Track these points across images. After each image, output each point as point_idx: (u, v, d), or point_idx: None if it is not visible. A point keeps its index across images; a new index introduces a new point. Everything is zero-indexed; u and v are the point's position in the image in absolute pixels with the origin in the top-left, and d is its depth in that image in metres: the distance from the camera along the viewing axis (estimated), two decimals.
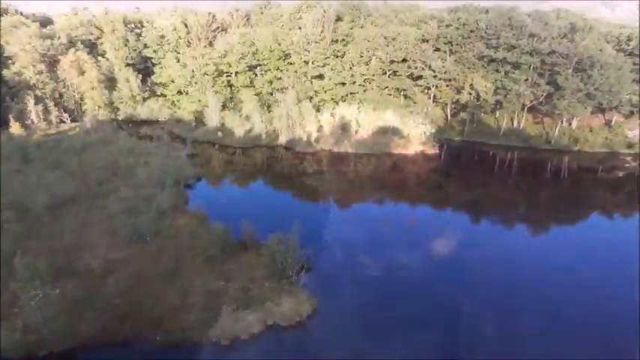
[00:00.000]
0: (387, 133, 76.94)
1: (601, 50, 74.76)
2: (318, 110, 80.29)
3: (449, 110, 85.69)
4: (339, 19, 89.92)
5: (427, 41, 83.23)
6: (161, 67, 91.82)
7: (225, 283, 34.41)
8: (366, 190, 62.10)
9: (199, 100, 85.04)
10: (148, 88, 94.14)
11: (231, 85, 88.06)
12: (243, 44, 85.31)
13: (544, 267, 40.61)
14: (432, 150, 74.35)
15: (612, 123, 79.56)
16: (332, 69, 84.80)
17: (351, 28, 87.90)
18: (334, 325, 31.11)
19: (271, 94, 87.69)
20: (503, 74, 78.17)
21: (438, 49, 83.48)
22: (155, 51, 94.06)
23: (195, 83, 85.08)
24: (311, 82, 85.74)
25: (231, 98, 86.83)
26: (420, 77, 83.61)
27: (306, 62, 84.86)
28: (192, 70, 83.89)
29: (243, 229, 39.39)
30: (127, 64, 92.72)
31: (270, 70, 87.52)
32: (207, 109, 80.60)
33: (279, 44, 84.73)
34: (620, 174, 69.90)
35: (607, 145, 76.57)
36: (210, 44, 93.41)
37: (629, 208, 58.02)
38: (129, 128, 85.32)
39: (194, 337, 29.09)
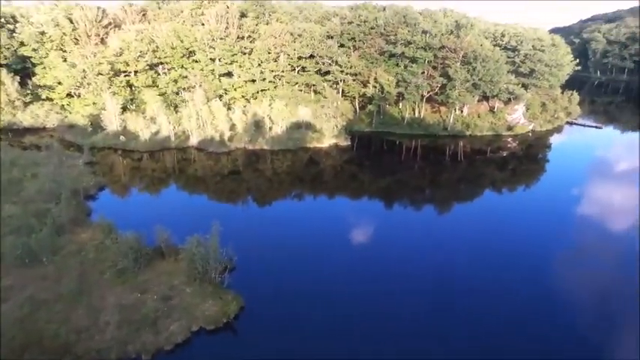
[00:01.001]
0: (300, 128, 78.14)
1: (482, 45, 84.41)
2: (229, 108, 78.32)
3: (357, 103, 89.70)
4: (243, 15, 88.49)
5: (332, 37, 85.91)
6: (44, 68, 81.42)
7: (142, 294, 31.99)
8: (285, 186, 62.40)
9: (94, 103, 77.13)
10: (29, 92, 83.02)
11: (130, 86, 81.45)
12: (140, 41, 79.46)
13: (447, 240, 44.95)
14: (344, 142, 77.32)
15: (495, 109, 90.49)
16: (240, 66, 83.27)
17: (257, 25, 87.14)
18: (263, 322, 30.82)
19: (177, 93, 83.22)
20: (403, 68, 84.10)
21: (342, 45, 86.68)
22: (35, 49, 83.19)
23: (88, 84, 77.00)
24: (219, 80, 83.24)
25: (132, 99, 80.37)
26: (327, 72, 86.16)
27: (213, 60, 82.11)
28: (84, 70, 75.80)
29: (158, 236, 36.96)
30: (0, 65, 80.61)
31: (174, 68, 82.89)
32: (104, 112, 73.54)
33: (182, 41, 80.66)
34: (505, 154, 79.91)
35: (492, 128, 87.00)
36: (103, 41, 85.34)
37: (513, 182, 66.72)
38: (9, 138, 74.48)
39: (111, 356, 26.59)
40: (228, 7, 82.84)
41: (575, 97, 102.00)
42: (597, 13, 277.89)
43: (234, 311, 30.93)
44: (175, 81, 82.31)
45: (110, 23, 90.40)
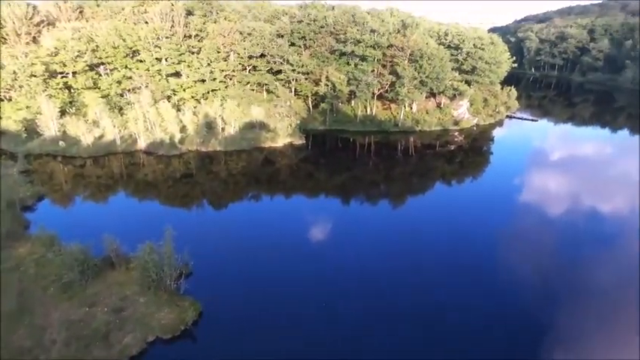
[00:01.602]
0: (254, 128, 77.28)
1: (427, 44, 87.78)
2: (178, 110, 75.69)
3: (310, 102, 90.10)
4: (189, 13, 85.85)
5: (282, 36, 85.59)
6: None
7: (91, 308, 30.24)
8: (241, 187, 61.47)
9: (28, 107, 71.26)
10: None
11: (69, 88, 76.23)
12: (78, 40, 74.67)
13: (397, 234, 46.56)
14: (299, 141, 77.44)
15: (442, 105, 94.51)
16: (189, 66, 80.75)
17: (204, 23, 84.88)
18: (222, 326, 30.23)
19: (122, 95, 79.18)
20: (354, 66, 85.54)
21: (293, 44, 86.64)
22: None
23: (20, 87, 71.05)
24: (167, 81, 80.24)
25: (71, 102, 75.22)
26: (279, 72, 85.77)
27: (159, 59, 78.96)
28: (14, 72, 69.90)
29: (106, 246, 35.04)
30: None
31: (116, 68, 78.72)
32: (40, 116, 68.34)
33: (124, 40, 76.76)
34: (452, 147, 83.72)
35: (440, 123, 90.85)
36: (35, 40, 79.35)
37: (461, 174, 70.15)
38: None
39: None
40: (173, 5, 79.95)
41: (514, 92, 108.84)
42: (530, 13, 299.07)
43: (193, 318, 30.09)
44: (119, 82, 78.25)
45: (43, 21, 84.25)
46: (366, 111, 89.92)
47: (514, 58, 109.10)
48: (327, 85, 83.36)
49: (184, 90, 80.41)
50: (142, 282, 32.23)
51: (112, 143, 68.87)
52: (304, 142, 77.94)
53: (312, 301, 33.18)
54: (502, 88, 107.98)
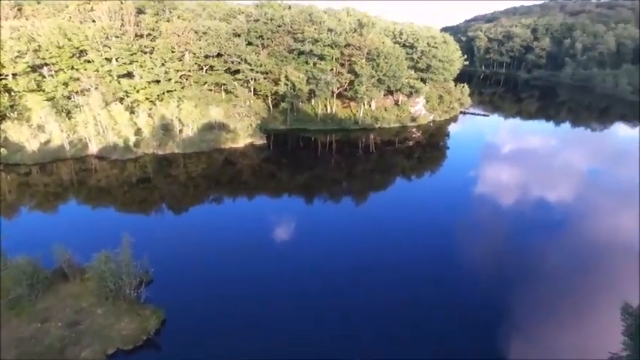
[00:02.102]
0: (213, 129, 75.75)
1: (383, 43, 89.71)
2: (132, 112, 72.67)
3: (270, 101, 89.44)
4: (140, 12, 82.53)
5: (239, 35, 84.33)
6: None
7: (43, 324, 28.46)
8: (201, 190, 60.03)
9: None
10: None
11: (9, 91, 71.00)
12: (18, 40, 69.71)
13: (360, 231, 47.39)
14: (260, 141, 76.73)
15: (399, 102, 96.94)
16: (141, 66, 77.57)
17: (157, 22, 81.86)
18: (186, 332, 29.36)
19: (69, 97, 74.67)
20: (312, 65, 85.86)
21: (250, 43, 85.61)
22: None
23: None
24: (119, 82, 76.64)
25: (12, 106, 70.05)
26: (237, 71, 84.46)
27: (109, 59, 75.35)
28: None
29: (58, 257, 33.06)
30: None
31: (62, 70, 74.17)
32: None
33: (70, 39, 72.51)
34: (411, 143, 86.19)
35: (399, 120, 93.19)
36: None
37: (420, 169, 72.40)
38: None
39: None
40: (122, 3, 76.53)
41: (466, 89, 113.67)
42: (478, 14, 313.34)
43: (155, 326, 29.08)
44: (65, 84, 73.81)
45: None
46: (327, 110, 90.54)
47: (465, 56, 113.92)
48: (287, 85, 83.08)
49: (138, 91, 77.15)
50: (99, 292, 30.73)
51: (60, 149, 65.00)
52: (265, 142, 77.31)
53: (275, 302, 32.85)
54: (455, 86, 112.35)
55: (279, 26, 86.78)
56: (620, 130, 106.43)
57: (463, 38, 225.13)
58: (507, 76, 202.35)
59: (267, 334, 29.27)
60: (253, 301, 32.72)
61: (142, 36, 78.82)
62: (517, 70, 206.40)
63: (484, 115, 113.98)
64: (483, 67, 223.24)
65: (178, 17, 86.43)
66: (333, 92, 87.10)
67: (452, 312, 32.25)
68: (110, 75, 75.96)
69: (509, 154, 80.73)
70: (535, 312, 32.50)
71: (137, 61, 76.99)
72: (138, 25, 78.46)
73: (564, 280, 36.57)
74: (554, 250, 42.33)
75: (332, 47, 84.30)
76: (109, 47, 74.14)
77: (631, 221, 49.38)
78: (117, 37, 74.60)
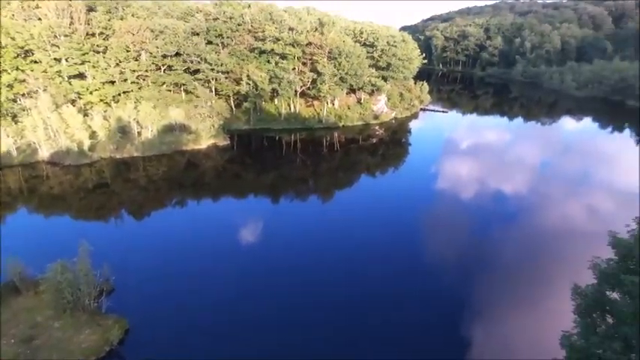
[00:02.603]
0: (174, 130, 73.67)
1: (344, 42, 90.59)
2: (86, 114, 69.29)
3: (232, 101, 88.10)
4: (91, 9, 78.68)
5: (198, 34, 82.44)
6: None
7: None
8: (163, 194, 58.18)
9: None
10: None
11: None
12: None
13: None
14: (223, 142, 75.46)
15: (362, 100, 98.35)
16: (94, 66, 74.11)
17: (109, 20, 78.42)
18: (152, 340, 28.39)
19: (15, 100, 70.13)
20: (274, 64, 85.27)
21: (210, 42, 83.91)
22: None
23: None
24: (70, 83, 72.82)
25: None
26: (197, 71, 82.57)
27: (58, 60, 71.41)
28: None
29: (8, 269, 31.03)
30: None
31: (6, 70, 69.45)
32: None
33: (13, 38, 68.07)
34: (374, 140, 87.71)
35: (362, 118, 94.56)
36: None
37: (383, 166, 73.83)
38: None
39: None
40: (70, 0, 72.67)
41: (425, 87, 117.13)
42: (435, 13, 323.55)
43: (118, 336, 27.94)
44: (10, 86, 69.08)
45: None
46: (290, 109, 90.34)
47: (424, 54, 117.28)
48: (249, 84, 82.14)
49: (91, 93, 73.56)
50: (56, 305, 29.10)
51: (6, 155, 60.95)
52: (229, 142, 76.11)
53: (242, 305, 32.24)
54: (415, 83, 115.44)
55: (239, 25, 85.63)
56: (567, 123, 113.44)
57: (421, 37, 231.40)
58: (464, 74, 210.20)
59: (235, 340, 28.85)
60: (220, 307, 32.12)
61: (93, 35, 75.29)
62: (472, 67, 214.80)
63: (443, 112, 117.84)
64: (441, 65, 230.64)
65: (133, 15, 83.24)
66: (296, 91, 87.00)
67: (417, 302, 33.20)
68: (60, 76, 72.08)
69: (468, 149, 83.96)
70: (494, 298, 34.09)
71: (89, 61, 73.50)
72: (89, 24, 74.87)
73: (520, 268, 38.53)
74: (511, 239, 44.52)
75: (293, 46, 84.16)
76: (58, 47, 70.32)
77: (578, 209, 52.89)
78: (66, 35, 70.87)
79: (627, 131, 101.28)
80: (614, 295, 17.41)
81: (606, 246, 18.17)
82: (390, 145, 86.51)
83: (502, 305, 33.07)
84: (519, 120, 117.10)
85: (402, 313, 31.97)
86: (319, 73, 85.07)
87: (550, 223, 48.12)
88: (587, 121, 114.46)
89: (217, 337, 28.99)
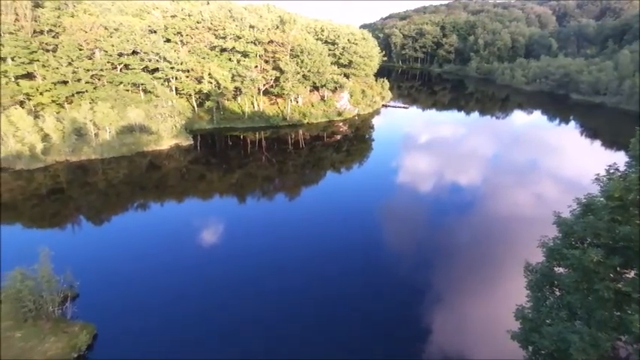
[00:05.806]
0: (133, 131, 71.46)
1: (306, 39, 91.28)
2: (37, 116, 65.80)
3: (194, 100, 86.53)
4: (38, 5, 74.60)
5: (155, 32, 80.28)
6: None
7: None
8: (124, 198, 56.33)
9: None
10: None
11: None
12: None
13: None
14: (186, 142, 74.08)
15: (325, 98, 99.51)
16: (44, 66, 70.45)
17: (59, 17, 74.76)
18: (121, 344, 27.94)
19: None
20: (236, 62, 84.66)
21: (169, 40, 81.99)
22: None
23: None
24: (17, 84, 68.80)
25: None
26: (156, 70, 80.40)
27: (3, 59, 67.25)
28: None
29: None
30: None
31: None
32: None
33: None
34: (338, 137, 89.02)
35: (325, 115, 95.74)
36: None
37: (348, 161, 75.29)
38: None
39: None
40: None
41: (386, 83, 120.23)
42: (393, 12, 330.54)
43: (86, 342, 27.25)
44: None
45: None
46: (254, 107, 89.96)
47: (383, 52, 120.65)
48: (211, 83, 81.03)
49: (41, 93, 69.89)
50: (16, 314, 27.94)
51: None
52: (192, 142, 74.81)
53: (210, 306, 32.21)
54: (376, 80, 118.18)
55: (198, 22, 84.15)
56: (518, 117, 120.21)
57: (380, 35, 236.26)
58: (422, 71, 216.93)
59: (204, 341, 28.91)
60: (188, 308, 31.86)
61: (42, 32, 71.50)
62: (430, 64, 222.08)
63: (404, 108, 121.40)
64: (400, 62, 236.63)
65: (84, 12, 79.70)
66: (259, 89, 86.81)
67: (380, 291, 34.46)
68: (6, 76, 67.93)
69: (427, 144, 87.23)
70: (453, 282, 36.09)
71: (38, 60, 69.78)
72: (36, 21, 71.01)
73: (477, 252, 40.93)
74: (467, 227, 47.09)
75: (255, 44, 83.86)
76: (2, 45, 66.22)
77: (528, 195, 56.68)
78: (11, 33, 66.88)
79: (572, 123, 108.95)
80: (561, 270, 19.28)
81: (552, 226, 20.01)
82: (353, 141, 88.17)
83: (461, 288, 35.11)
84: (475, 114, 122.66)
85: (364, 305, 32.81)
86: (282, 71, 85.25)
87: (502, 210, 51.34)
88: (537, 114, 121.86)
89: (185, 338, 28.83)
